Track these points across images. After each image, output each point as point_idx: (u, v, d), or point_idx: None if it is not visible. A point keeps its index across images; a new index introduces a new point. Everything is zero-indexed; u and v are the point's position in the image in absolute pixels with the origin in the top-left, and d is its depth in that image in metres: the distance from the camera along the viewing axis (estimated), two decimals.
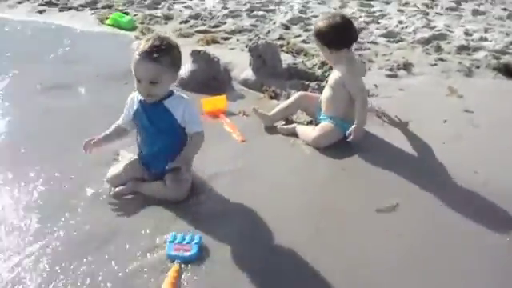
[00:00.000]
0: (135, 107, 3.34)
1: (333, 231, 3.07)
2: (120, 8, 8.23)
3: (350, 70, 4.00)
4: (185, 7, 8.33)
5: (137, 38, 6.73)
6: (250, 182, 3.57)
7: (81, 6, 8.49)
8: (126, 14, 7.78)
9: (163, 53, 3.05)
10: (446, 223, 3.17)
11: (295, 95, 4.43)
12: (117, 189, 3.37)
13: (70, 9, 8.39)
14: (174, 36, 6.82)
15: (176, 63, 3.18)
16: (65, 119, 4.48)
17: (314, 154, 3.97)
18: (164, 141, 3.30)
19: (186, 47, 6.18)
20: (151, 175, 3.43)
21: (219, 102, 4.72)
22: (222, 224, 3.10)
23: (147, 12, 7.95)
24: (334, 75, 4.08)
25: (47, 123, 4.45)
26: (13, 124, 4.45)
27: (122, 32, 7.13)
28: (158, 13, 7.92)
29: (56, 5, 8.60)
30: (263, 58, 5.23)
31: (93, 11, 8.20)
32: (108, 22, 7.45)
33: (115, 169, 3.50)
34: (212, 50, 5.82)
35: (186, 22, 7.45)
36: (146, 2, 8.51)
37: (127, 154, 3.70)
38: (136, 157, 3.51)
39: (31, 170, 3.66)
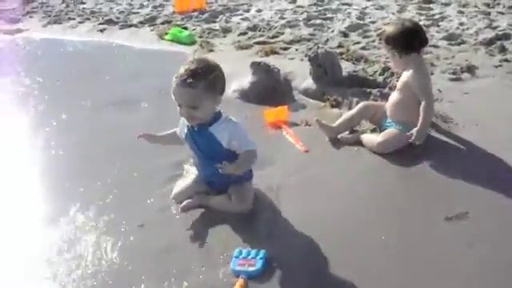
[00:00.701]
0: (185, 131, 3.38)
1: (401, 243, 3.02)
2: (178, 23, 8.37)
3: (419, 72, 3.97)
4: (242, 19, 8.43)
5: (195, 52, 6.83)
6: (316, 194, 3.56)
7: (140, 22, 8.72)
8: (185, 28, 7.91)
9: (198, 77, 3.03)
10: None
11: (359, 106, 4.38)
12: (184, 202, 3.42)
13: (130, 26, 8.61)
14: (233, 48, 6.92)
15: (214, 86, 3.13)
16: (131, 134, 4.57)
17: (380, 161, 3.91)
18: (214, 164, 3.20)
19: (245, 59, 6.32)
20: (214, 190, 3.47)
21: (281, 112, 4.74)
22: (288, 238, 3.10)
23: (205, 26, 8.09)
24: (402, 79, 4.08)
25: (114, 138, 4.58)
26: (80, 139, 4.65)
27: (182, 47, 7.23)
28: (216, 26, 8.05)
29: (116, 23, 8.85)
30: (323, 66, 5.22)
31: (152, 27, 8.38)
32: (167, 37, 7.61)
33: (180, 185, 3.56)
34: (271, 60, 5.85)
35: (244, 33, 7.53)
36: (204, 16, 8.65)
37: (191, 167, 3.73)
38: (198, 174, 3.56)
39: (98, 185, 3.80)
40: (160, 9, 9.69)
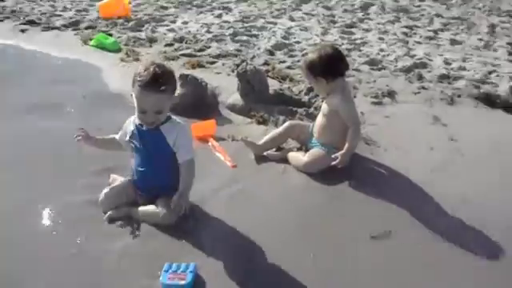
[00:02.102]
0: (131, 129, 3.36)
1: (329, 256, 3.11)
2: (103, 29, 8.23)
3: (345, 98, 4.07)
4: (168, 30, 8.38)
5: (122, 60, 6.75)
6: (244, 208, 3.61)
7: (64, 26, 8.51)
8: (110, 35, 7.78)
9: (166, 82, 3.09)
10: (439, 250, 3.23)
11: (284, 125, 4.46)
12: (110, 212, 3.37)
13: (52, 29, 8.39)
14: (159, 59, 6.85)
15: (175, 88, 3.27)
16: (55, 140, 4.45)
17: (306, 179, 4.02)
18: (155, 164, 3.35)
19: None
20: (143, 198, 3.44)
21: (208, 126, 4.75)
22: (217, 251, 3.12)
23: (131, 34, 7.98)
24: (328, 104, 4.14)
25: (37, 143, 4.45)
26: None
27: (108, 53, 7.12)
28: (142, 35, 7.96)
29: (38, 24, 8.60)
30: (251, 83, 5.28)
31: (76, 32, 8.20)
32: (92, 42, 7.45)
33: (107, 192, 3.50)
34: (198, 73, 5.84)
35: (170, 44, 7.49)
36: (129, 25, 8.55)
37: (118, 177, 3.70)
38: (128, 179, 3.51)
39: (20, 193, 3.69)
40: (84, 13, 9.47)
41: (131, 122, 3.38)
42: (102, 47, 7.31)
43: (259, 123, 5.00)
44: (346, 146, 3.97)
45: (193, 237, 3.23)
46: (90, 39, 7.57)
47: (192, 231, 3.29)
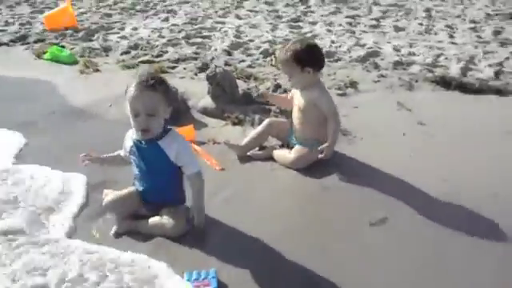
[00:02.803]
0: (130, 144, 3.37)
1: (337, 244, 3.26)
2: (53, 41, 8.12)
3: (323, 90, 4.21)
4: (120, 37, 8.36)
5: (81, 72, 6.69)
6: (243, 209, 3.68)
7: (11, 41, 8.35)
8: (62, 47, 7.70)
9: (158, 82, 3.12)
10: (433, 233, 3.42)
11: (264, 123, 4.54)
12: (115, 228, 3.39)
13: (0, 45, 8.21)
14: (118, 68, 6.87)
15: (168, 95, 3.23)
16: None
17: (295, 175, 4.14)
18: (158, 179, 3.35)
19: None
20: (148, 208, 3.46)
21: (188, 132, 4.79)
22: (228, 254, 3.18)
23: (84, 44, 7.92)
24: (305, 98, 4.22)
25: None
26: None
27: (64, 67, 7.04)
28: (95, 45, 7.91)
29: None
30: (222, 85, 5.36)
31: (25, 46, 8.06)
32: (46, 56, 7.36)
33: (113, 195, 3.50)
34: None
35: (126, 52, 7.49)
36: (80, 35, 8.47)
37: (111, 192, 3.69)
38: (134, 188, 3.53)
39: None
40: (28, 26, 9.30)
41: (129, 137, 3.38)
42: (56, 60, 7.22)
43: (235, 124, 5.08)
44: (329, 138, 4.11)
45: (201, 243, 3.28)
46: (44, 53, 7.46)
47: (199, 239, 3.32)
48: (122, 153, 3.53)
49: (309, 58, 4.09)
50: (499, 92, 6.15)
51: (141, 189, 3.46)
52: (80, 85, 6.30)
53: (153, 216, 3.41)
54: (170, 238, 3.29)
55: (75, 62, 7.13)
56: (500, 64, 7.23)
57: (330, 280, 2.95)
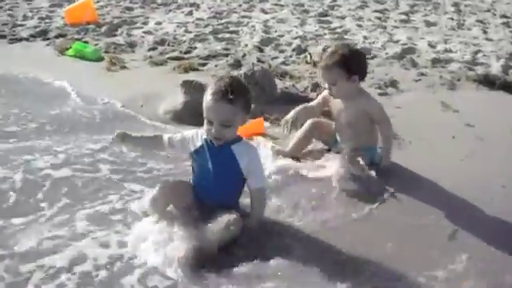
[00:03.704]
0: (198, 144, 3.17)
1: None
2: (76, 37, 7.89)
3: (371, 97, 3.99)
4: (145, 33, 8.12)
5: (108, 69, 6.47)
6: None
7: (31, 36, 8.10)
8: (86, 43, 7.48)
9: (238, 94, 2.93)
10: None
11: (307, 124, 4.21)
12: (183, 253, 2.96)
13: (20, 40, 7.99)
14: (146, 64, 6.66)
15: (249, 106, 3.05)
16: None
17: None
18: (219, 182, 3.15)
19: (165, 76, 6.11)
20: (201, 208, 3.20)
21: (257, 125, 4.62)
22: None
23: (108, 40, 7.68)
24: (353, 109, 3.91)
25: None
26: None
27: (89, 63, 6.81)
28: (120, 40, 7.67)
29: (4, 36, 8.15)
30: (260, 84, 5.14)
31: (47, 42, 7.82)
32: (70, 52, 7.12)
33: (162, 187, 3.25)
34: (193, 77, 5.67)
35: (154, 48, 7.25)
36: (102, 30, 8.22)
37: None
38: (190, 182, 3.32)
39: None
40: (48, 21, 9.02)
41: (199, 136, 3.19)
42: (81, 57, 6.99)
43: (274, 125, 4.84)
44: (384, 143, 3.91)
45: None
46: (67, 49, 7.24)
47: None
48: (166, 136, 3.32)
49: (357, 65, 3.81)
50: None
51: (200, 189, 3.25)
52: (109, 83, 6.05)
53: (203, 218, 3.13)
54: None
55: (100, 59, 6.89)
56: None
57: None
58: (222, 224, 3.02)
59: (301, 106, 4.17)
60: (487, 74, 6.18)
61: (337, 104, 4.02)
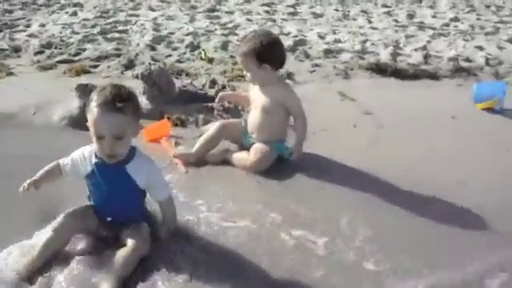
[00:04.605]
0: (89, 168, 2.91)
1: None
2: None
3: (289, 89, 3.98)
4: (29, 36, 7.68)
5: None
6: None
7: None
8: None
9: (126, 101, 2.68)
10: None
11: (216, 126, 4.13)
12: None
13: None
14: (34, 69, 6.31)
15: (138, 112, 2.84)
16: None
17: (259, 178, 3.84)
18: (121, 202, 2.95)
19: (55, 81, 5.82)
20: (106, 228, 3.05)
21: (163, 127, 4.48)
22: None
23: None
24: (269, 96, 3.90)
25: None
26: None
27: None
28: (3, 45, 7.21)
29: None
30: (158, 84, 4.99)
31: None
32: None
33: (66, 216, 2.93)
34: (86, 80, 5.44)
35: (40, 52, 6.86)
36: None
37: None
38: (89, 203, 3.10)
39: None
40: None
41: (87, 160, 2.91)
42: None
43: (176, 125, 4.70)
44: (297, 136, 3.90)
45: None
46: None
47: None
48: (62, 162, 3.01)
49: (269, 54, 3.79)
50: (433, 77, 6.21)
51: (99, 209, 3.02)
52: None
53: (111, 237, 2.97)
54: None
55: None
56: (425, 48, 7.33)
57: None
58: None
59: None
60: (378, 62, 6.38)
61: (255, 91, 4.01)
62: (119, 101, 2.64)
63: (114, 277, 2.67)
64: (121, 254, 2.79)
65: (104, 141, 2.68)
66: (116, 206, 2.95)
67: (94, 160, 2.86)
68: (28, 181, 2.94)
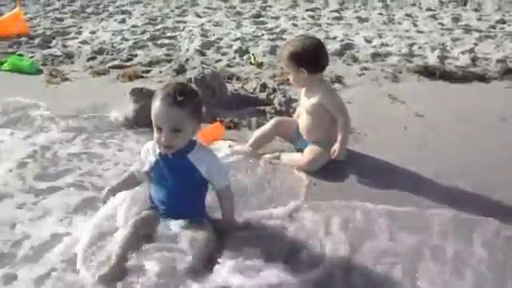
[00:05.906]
0: (153, 159, 3.08)
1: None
2: (10, 51, 7.61)
3: (328, 89, 4.05)
4: (81, 42, 7.91)
5: (48, 82, 6.25)
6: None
7: None
8: (21, 55, 7.23)
9: (187, 97, 2.83)
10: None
11: (271, 122, 4.29)
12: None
13: None
14: (88, 75, 6.49)
15: (198, 112, 2.97)
16: None
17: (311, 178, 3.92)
18: (184, 193, 3.08)
19: (109, 85, 5.99)
20: (168, 226, 3.14)
21: (216, 130, 4.57)
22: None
23: (43, 52, 7.43)
24: (310, 99, 4.03)
25: None
26: None
27: (26, 77, 6.55)
28: (57, 51, 7.44)
29: None
30: (211, 88, 5.10)
31: None
32: (5, 66, 6.83)
33: (135, 222, 3.05)
34: (139, 84, 5.54)
35: (93, 58, 7.07)
36: (36, 42, 7.96)
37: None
38: (148, 212, 3.21)
39: None
40: None
41: (150, 152, 3.11)
42: (17, 70, 6.72)
43: (229, 128, 4.77)
44: (340, 137, 3.91)
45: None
46: (1, 63, 6.96)
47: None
48: (134, 169, 3.26)
49: (306, 58, 3.90)
50: (481, 79, 6.19)
51: (162, 207, 3.14)
52: (53, 96, 5.81)
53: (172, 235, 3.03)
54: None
55: (38, 72, 6.66)
56: (472, 50, 7.30)
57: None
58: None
59: None
60: (426, 64, 6.39)
61: (302, 94, 4.16)
62: (180, 95, 2.80)
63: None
64: (192, 253, 2.87)
65: (162, 132, 2.85)
66: (179, 200, 3.07)
67: (157, 150, 3.03)
68: (106, 189, 3.26)
